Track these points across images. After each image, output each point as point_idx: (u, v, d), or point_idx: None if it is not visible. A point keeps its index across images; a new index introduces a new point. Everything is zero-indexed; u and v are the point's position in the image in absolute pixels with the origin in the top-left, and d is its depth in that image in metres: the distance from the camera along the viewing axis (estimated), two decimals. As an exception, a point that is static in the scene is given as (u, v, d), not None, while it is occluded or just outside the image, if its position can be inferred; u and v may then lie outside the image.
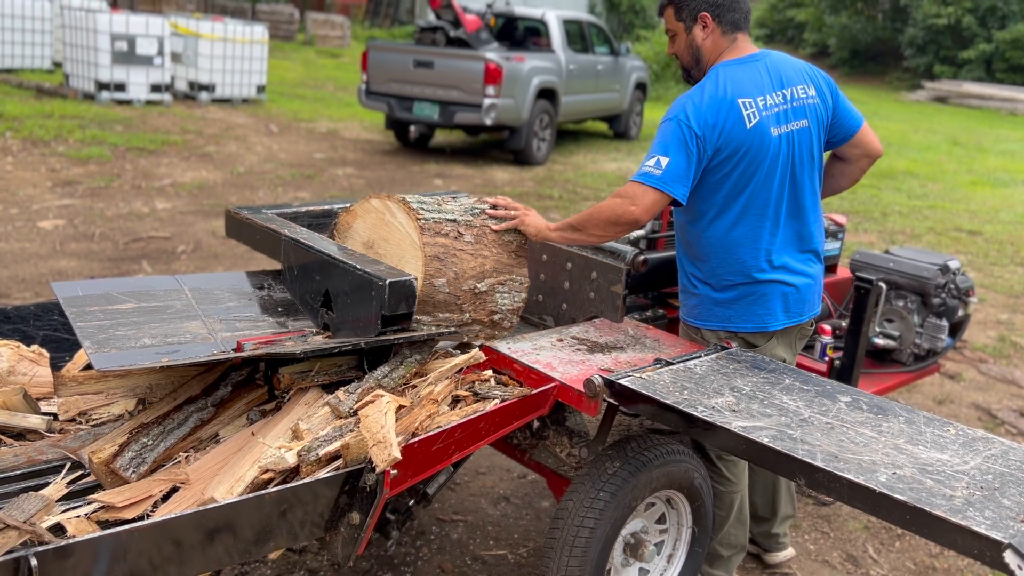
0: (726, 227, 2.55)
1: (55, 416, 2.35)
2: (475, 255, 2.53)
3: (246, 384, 2.33)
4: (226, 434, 2.21)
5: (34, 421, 2.30)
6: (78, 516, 1.85)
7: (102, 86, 11.05)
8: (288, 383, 2.25)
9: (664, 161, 2.40)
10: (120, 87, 11.16)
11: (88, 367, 2.42)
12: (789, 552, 3.18)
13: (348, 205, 2.70)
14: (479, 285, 2.53)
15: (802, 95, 2.56)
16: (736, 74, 2.50)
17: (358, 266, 2.35)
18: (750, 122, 2.45)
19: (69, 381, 2.34)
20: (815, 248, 2.67)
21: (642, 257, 2.77)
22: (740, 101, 2.45)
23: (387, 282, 2.25)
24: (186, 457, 2.11)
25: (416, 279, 2.34)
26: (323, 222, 3.18)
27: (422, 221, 2.45)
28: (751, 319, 2.62)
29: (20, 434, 2.30)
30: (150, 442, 2.05)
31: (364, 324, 2.33)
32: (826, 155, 2.79)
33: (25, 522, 1.68)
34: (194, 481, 2.00)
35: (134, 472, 1.97)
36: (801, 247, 2.63)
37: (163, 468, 2.08)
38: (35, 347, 2.64)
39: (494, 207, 2.64)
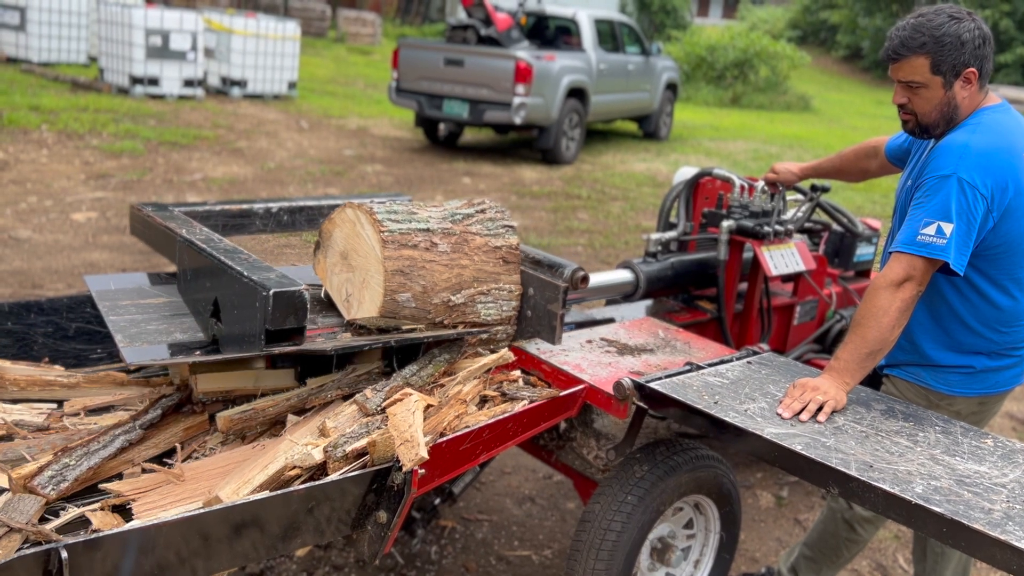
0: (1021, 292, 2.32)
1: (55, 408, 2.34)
2: (450, 265, 2.36)
3: (180, 409, 2.27)
4: (224, 449, 2.16)
5: None
6: (92, 510, 1.86)
7: (136, 80, 11.17)
8: (227, 427, 2.14)
9: (948, 228, 2.13)
10: (153, 82, 11.27)
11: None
12: None
13: (330, 214, 2.48)
14: (454, 297, 2.36)
15: None
16: (1009, 122, 2.26)
17: (244, 272, 2.11)
18: None
19: (9, 384, 2.31)
20: None
21: (581, 273, 2.49)
22: None
23: (271, 292, 1.99)
24: (140, 468, 2.05)
25: (306, 289, 2.11)
26: (240, 223, 2.94)
27: (385, 233, 2.28)
28: (1018, 377, 2.42)
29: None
30: (72, 462, 1.99)
31: (249, 339, 2.08)
32: (879, 146, 2.77)
33: (27, 524, 1.70)
34: (209, 479, 1.98)
35: (53, 490, 1.91)
36: None
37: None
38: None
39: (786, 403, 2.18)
